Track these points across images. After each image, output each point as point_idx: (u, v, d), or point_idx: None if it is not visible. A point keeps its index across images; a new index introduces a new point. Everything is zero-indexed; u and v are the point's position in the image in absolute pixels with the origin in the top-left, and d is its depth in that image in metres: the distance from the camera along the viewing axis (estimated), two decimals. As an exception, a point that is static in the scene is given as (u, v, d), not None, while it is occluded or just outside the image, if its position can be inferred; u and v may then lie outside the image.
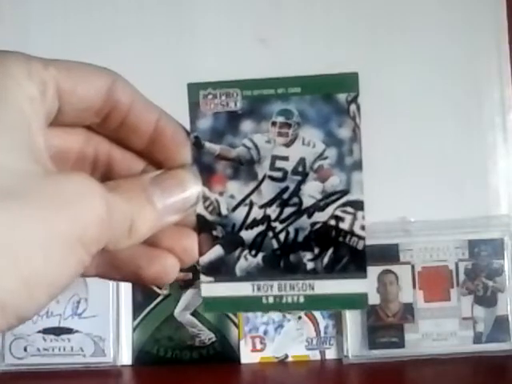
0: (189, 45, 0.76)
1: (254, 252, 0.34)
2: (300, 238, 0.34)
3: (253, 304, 0.34)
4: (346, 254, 0.33)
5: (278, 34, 0.76)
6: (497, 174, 0.76)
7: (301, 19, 0.76)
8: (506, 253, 0.73)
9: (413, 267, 0.73)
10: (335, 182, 0.33)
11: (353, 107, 0.33)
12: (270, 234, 0.34)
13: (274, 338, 0.74)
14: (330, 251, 0.33)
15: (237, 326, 0.73)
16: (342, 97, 0.33)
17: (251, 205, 0.34)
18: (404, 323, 0.72)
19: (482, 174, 0.76)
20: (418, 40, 0.76)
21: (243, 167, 0.34)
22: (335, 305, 0.34)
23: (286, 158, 0.33)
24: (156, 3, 0.76)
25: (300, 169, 0.33)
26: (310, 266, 0.34)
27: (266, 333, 0.73)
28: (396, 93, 0.76)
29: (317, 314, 0.73)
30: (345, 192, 0.33)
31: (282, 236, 0.34)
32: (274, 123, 0.33)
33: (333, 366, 0.72)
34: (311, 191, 0.33)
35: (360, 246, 0.33)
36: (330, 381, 0.71)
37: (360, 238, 0.33)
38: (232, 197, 0.34)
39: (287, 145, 0.33)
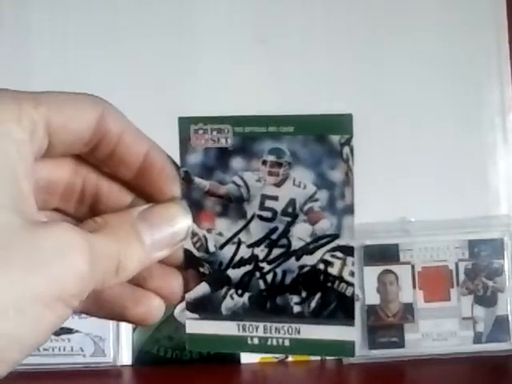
0: (188, 46, 0.76)
1: (240, 291, 0.33)
2: (287, 280, 0.33)
3: (238, 344, 0.34)
4: (334, 299, 0.33)
5: (277, 35, 0.76)
6: (497, 174, 0.76)
7: (301, 19, 0.76)
8: (506, 253, 0.73)
9: (413, 267, 0.73)
10: (325, 225, 0.32)
11: (346, 150, 0.32)
12: (257, 274, 0.33)
13: (274, 338, 0.73)
14: (318, 296, 0.33)
15: (237, 326, 0.73)
16: (335, 138, 0.32)
17: (239, 243, 0.33)
18: (404, 323, 0.72)
19: (481, 174, 0.76)
20: (418, 40, 0.76)
21: (232, 205, 0.33)
22: (321, 351, 0.34)
23: (275, 198, 0.33)
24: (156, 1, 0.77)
25: (290, 210, 0.33)
26: (296, 309, 0.33)
27: (266, 333, 0.73)
28: (396, 93, 0.76)
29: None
30: (335, 236, 0.32)
31: (269, 277, 0.33)
32: (264, 162, 0.32)
33: (333, 366, 0.72)
34: (300, 233, 0.33)
35: (349, 293, 0.33)
36: (330, 381, 0.71)
37: (349, 284, 0.33)
38: (220, 234, 0.33)
39: (277, 184, 0.33)
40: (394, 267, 0.72)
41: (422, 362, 0.71)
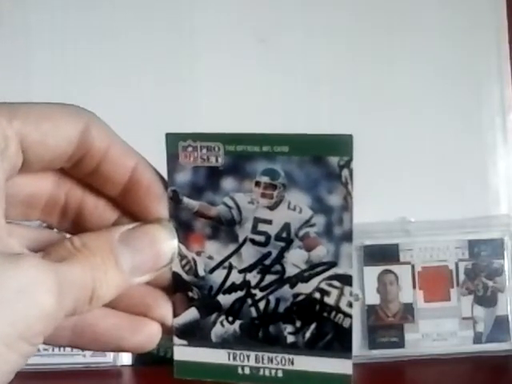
0: (188, 45, 0.76)
1: (231, 319, 0.32)
2: (281, 308, 0.31)
3: (228, 373, 0.32)
4: (330, 330, 0.31)
5: (278, 35, 0.76)
6: (497, 174, 0.76)
7: (301, 19, 0.76)
8: (506, 253, 0.73)
9: (413, 267, 0.73)
10: (322, 252, 0.30)
11: (345, 172, 0.29)
12: (249, 301, 0.31)
13: (274, 338, 0.73)
14: (313, 326, 0.31)
15: (237, 326, 0.73)
16: (333, 160, 0.29)
17: (230, 268, 0.31)
18: (404, 323, 0.72)
19: (482, 174, 0.75)
20: (418, 40, 0.76)
21: (223, 227, 0.31)
22: (315, 383, 0.31)
23: (269, 222, 0.31)
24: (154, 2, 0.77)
25: (284, 235, 0.31)
26: (290, 339, 0.31)
27: (265, 333, 0.73)
28: (396, 92, 0.76)
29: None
30: (332, 264, 0.30)
31: (261, 304, 0.31)
32: (257, 183, 0.30)
33: (333, 366, 0.72)
34: (295, 260, 0.31)
35: (346, 324, 0.31)
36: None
37: (346, 315, 0.31)
38: (210, 257, 0.31)
39: (271, 207, 0.31)
40: (394, 267, 0.72)
41: (422, 362, 0.71)
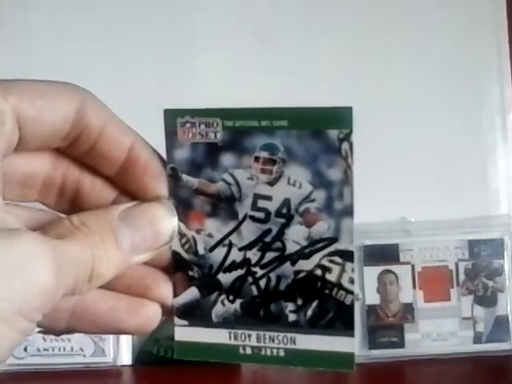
0: (188, 45, 0.76)
1: (231, 297, 0.31)
2: (282, 286, 0.30)
3: (229, 353, 0.31)
4: (333, 308, 0.30)
5: (278, 35, 0.76)
6: (497, 174, 0.76)
7: (300, 19, 0.76)
8: (506, 253, 0.73)
9: (413, 267, 0.73)
10: (323, 228, 0.30)
11: (345, 145, 0.29)
12: (250, 279, 0.31)
13: (274, 338, 0.73)
14: (315, 304, 0.30)
15: (237, 326, 0.73)
16: (333, 133, 0.29)
17: (230, 246, 0.31)
18: (404, 323, 0.72)
19: (482, 174, 0.76)
20: (418, 40, 0.76)
21: (223, 204, 0.30)
22: (318, 363, 0.31)
23: (269, 198, 0.30)
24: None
25: (284, 211, 0.30)
26: (291, 317, 0.31)
27: (265, 333, 0.73)
28: (396, 93, 0.76)
29: (317, 314, 0.73)
30: (333, 240, 0.30)
31: (262, 282, 0.31)
32: (257, 158, 0.30)
33: (333, 366, 0.72)
34: (296, 236, 0.30)
35: (348, 301, 0.30)
36: (330, 381, 0.71)
37: (348, 291, 0.30)
38: (210, 236, 0.31)
39: (271, 183, 0.30)
40: (394, 267, 0.72)
41: (422, 362, 0.71)
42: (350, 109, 0.29)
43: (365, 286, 0.72)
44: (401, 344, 0.72)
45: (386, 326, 0.72)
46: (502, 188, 0.76)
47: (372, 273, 0.72)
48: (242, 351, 0.31)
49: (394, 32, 0.76)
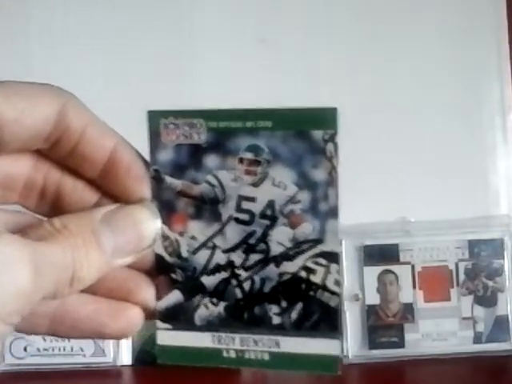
0: (188, 45, 0.76)
1: (215, 300, 0.31)
2: (266, 288, 0.30)
3: (212, 357, 0.31)
4: (317, 310, 0.30)
5: (278, 35, 0.76)
6: (497, 174, 0.76)
7: (300, 19, 0.76)
8: (506, 253, 0.73)
9: (413, 267, 0.73)
10: (307, 229, 0.29)
11: (330, 146, 0.28)
12: (234, 281, 0.30)
13: (274, 338, 0.73)
14: (299, 306, 0.30)
15: (237, 326, 0.73)
16: (317, 134, 0.28)
17: (214, 248, 0.30)
18: (404, 323, 0.72)
19: (481, 174, 0.76)
20: (418, 40, 0.76)
21: (206, 206, 0.30)
22: (303, 366, 0.30)
23: (253, 199, 0.30)
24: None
25: (269, 212, 0.30)
26: (276, 320, 0.30)
27: (265, 333, 0.73)
28: (396, 93, 0.76)
29: (317, 314, 0.73)
30: (318, 241, 0.29)
31: (246, 285, 0.30)
32: (241, 160, 0.29)
33: (333, 366, 0.72)
34: (280, 238, 0.30)
35: (333, 303, 0.30)
36: (330, 381, 0.71)
37: (333, 293, 0.30)
38: (193, 238, 0.30)
39: (255, 184, 0.30)
40: (394, 267, 0.72)
41: (422, 362, 0.71)
42: (334, 110, 0.28)
43: (365, 286, 0.72)
44: (401, 344, 0.72)
45: (386, 325, 0.72)
46: (502, 188, 0.76)
47: (372, 273, 0.72)
48: (225, 355, 0.31)
49: (394, 32, 0.76)
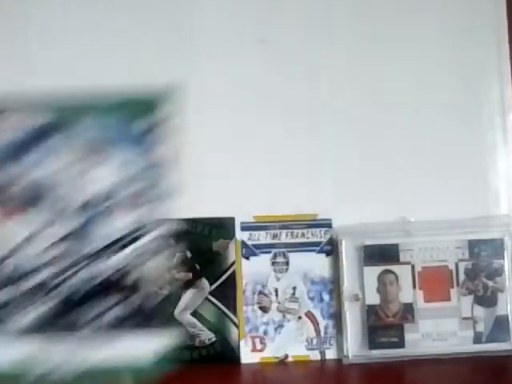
0: (188, 45, 0.76)
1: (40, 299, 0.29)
2: (91, 287, 0.29)
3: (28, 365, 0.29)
4: (135, 310, 0.29)
5: (278, 35, 0.76)
6: (497, 174, 0.76)
7: (301, 19, 0.76)
8: (506, 253, 0.73)
9: (413, 267, 0.73)
10: (130, 222, 0.28)
11: (150, 137, 0.28)
12: (59, 279, 0.29)
13: (274, 337, 0.73)
14: (117, 307, 0.29)
15: (237, 325, 0.73)
16: (141, 123, 0.28)
17: (41, 241, 0.29)
18: (404, 323, 0.72)
19: (482, 174, 0.76)
20: (418, 40, 0.76)
21: (39, 194, 0.29)
22: (124, 365, 0.29)
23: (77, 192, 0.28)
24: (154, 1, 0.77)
25: (91, 204, 0.28)
26: (100, 319, 0.29)
27: (265, 333, 0.73)
28: (396, 93, 0.76)
29: (317, 313, 0.73)
30: (139, 235, 0.28)
31: (71, 283, 0.29)
32: (79, 144, 0.29)
33: (333, 365, 0.72)
34: (103, 232, 0.29)
35: (150, 303, 0.29)
36: (330, 381, 0.71)
37: (148, 293, 0.29)
38: (23, 229, 0.29)
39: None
40: (394, 267, 0.72)
41: (422, 362, 0.71)
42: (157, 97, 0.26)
43: (365, 286, 0.72)
44: (401, 344, 0.72)
45: (386, 325, 0.72)
46: (502, 188, 0.76)
47: (372, 273, 0.72)
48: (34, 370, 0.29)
49: (394, 32, 0.76)
